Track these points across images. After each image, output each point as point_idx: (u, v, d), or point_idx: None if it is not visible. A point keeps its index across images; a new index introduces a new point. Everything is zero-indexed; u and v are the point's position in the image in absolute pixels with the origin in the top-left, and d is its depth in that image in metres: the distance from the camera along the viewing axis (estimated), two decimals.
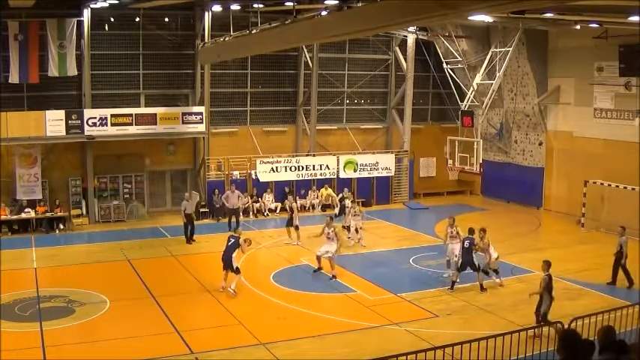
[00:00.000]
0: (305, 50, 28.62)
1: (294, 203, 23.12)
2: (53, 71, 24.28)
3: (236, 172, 27.56)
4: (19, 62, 23.68)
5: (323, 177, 28.71)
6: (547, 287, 13.81)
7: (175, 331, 14.50)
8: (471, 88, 27.35)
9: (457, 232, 18.27)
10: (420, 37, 28.99)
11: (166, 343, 13.77)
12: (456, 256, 17.80)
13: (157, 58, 26.90)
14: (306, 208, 28.08)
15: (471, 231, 17.51)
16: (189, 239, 22.61)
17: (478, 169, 26.25)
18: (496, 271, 17.83)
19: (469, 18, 21.66)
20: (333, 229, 18.66)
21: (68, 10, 24.21)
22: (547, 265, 14.02)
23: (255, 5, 21.99)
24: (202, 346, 13.64)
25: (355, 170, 29.30)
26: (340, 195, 26.35)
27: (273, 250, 22.17)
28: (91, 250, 22.07)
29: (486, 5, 10.20)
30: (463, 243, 17.26)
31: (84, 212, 25.57)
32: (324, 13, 14.25)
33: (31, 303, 16.19)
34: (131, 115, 25.34)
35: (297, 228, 22.40)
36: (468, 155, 26.59)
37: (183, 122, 26.03)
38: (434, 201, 30.38)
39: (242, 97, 28.91)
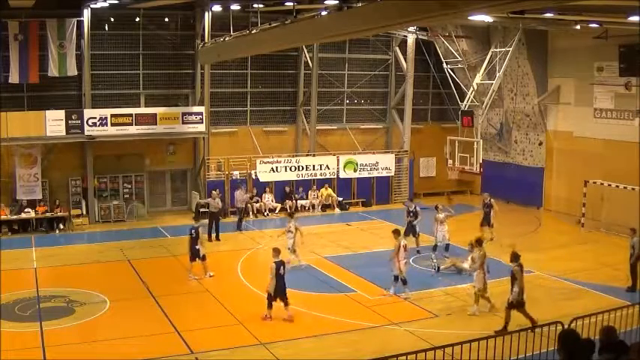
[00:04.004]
0: (305, 50, 28.62)
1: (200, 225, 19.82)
2: (53, 71, 24.28)
3: (236, 172, 27.56)
4: (19, 62, 23.70)
5: (323, 177, 28.71)
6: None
7: (175, 331, 14.51)
8: (471, 88, 27.35)
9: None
10: (420, 37, 28.97)
11: (166, 343, 13.78)
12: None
13: (157, 58, 26.91)
14: (307, 208, 28.11)
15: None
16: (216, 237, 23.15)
17: (478, 169, 26.25)
18: (405, 282, 16.73)
19: (469, 18, 21.64)
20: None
21: (68, 10, 24.20)
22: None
23: (255, 5, 21.98)
24: (202, 346, 13.64)
25: (355, 170, 29.30)
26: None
27: None
28: (91, 250, 22.08)
29: (486, 5, 10.19)
30: None
31: (84, 212, 25.56)
32: (324, 13, 14.25)
33: (31, 303, 16.20)
34: (131, 115, 25.35)
35: (203, 258, 18.79)
36: (468, 155, 26.60)
37: (183, 122, 26.04)
38: (434, 201, 30.13)
39: (242, 97, 28.91)
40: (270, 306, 15.15)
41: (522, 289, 14.32)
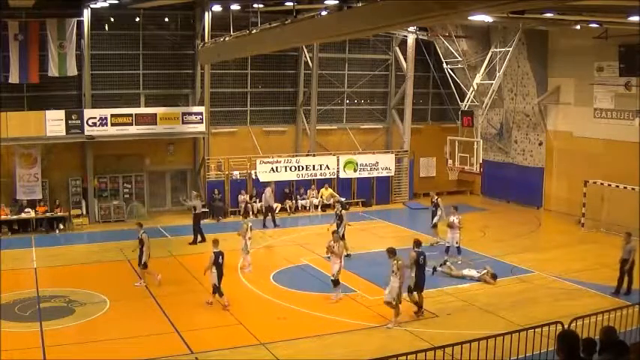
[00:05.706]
0: (305, 50, 28.61)
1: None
2: (53, 71, 24.28)
3: (236, 172, 27.56)
4: (19, 62, 23.69)
5: (323, 177, 28.69)
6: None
7: (175, 331, 14.51)
8: (471, 88, 27.33)
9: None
10: (420, 37, 28.98)
11: (166, 343, 13.79)
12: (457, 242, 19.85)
13: (157, 58, 26.90)
14: (307, 209, 28.11)
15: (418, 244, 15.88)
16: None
17: (478, 169, 26.23)
18: (336, 283, 16.67)
19: (469, 18, 21.64)
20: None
21: (68, 10, 24.20)
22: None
23: (255, 5, 21.98)
24: (202, 346, 13.65)
25: (355, 170, 29.29)
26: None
27: (273, 250, 22.17)
28: (91, 250, 22.08)
29: (486, 5, 10.19)
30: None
31: (84, 212, 25.56)
32: (324, 13, 14.25)
33: (31, 303, 16.20)
34: (131, 115, 25.35)
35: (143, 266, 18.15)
36: (468, 155, 26.56)
37: (184, 122, 26.04)
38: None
39: (242, 97, 28.90)
40: (218, 293, 15.91)
41: (421, 276, 15.22)
